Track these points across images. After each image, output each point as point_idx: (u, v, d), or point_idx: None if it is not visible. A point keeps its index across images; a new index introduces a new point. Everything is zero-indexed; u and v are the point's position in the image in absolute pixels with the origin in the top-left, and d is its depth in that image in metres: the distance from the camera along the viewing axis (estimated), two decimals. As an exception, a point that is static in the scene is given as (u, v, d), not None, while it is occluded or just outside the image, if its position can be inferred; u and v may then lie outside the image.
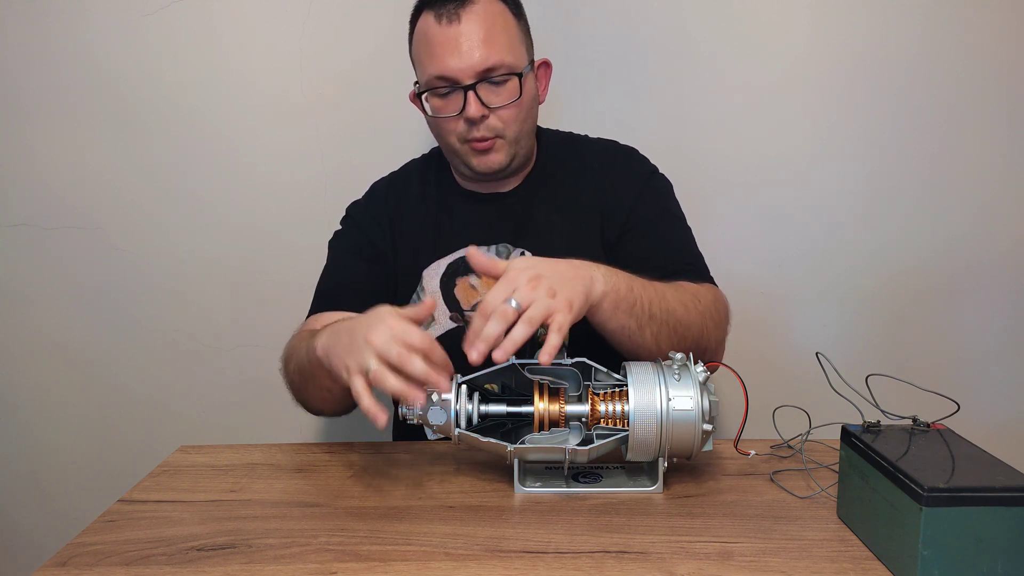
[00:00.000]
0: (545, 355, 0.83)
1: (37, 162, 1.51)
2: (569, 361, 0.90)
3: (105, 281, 1.55)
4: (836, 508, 0.82)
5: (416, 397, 0.80)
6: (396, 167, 1.28)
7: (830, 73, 1.45)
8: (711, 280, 1.12)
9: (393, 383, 0.80)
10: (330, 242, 1.22)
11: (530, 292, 0.84)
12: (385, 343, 0.81)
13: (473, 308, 1.13)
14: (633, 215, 1.14)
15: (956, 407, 0.79)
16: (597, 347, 0.97)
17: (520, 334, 0.82)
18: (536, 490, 0.88)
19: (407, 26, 1.10)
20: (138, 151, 1.50)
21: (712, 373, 0.88)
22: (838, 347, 1.48)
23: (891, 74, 1.44)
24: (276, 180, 1.51)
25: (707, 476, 0.92)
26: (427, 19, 1.06)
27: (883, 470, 0.71)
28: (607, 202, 1.15)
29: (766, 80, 1.45)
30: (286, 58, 1.47)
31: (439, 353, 0.84)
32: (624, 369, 0.88)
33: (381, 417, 0.80)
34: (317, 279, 1.25)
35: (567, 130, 1.26)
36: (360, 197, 1.25)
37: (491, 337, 0.82)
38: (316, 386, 1.00)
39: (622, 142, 1.25)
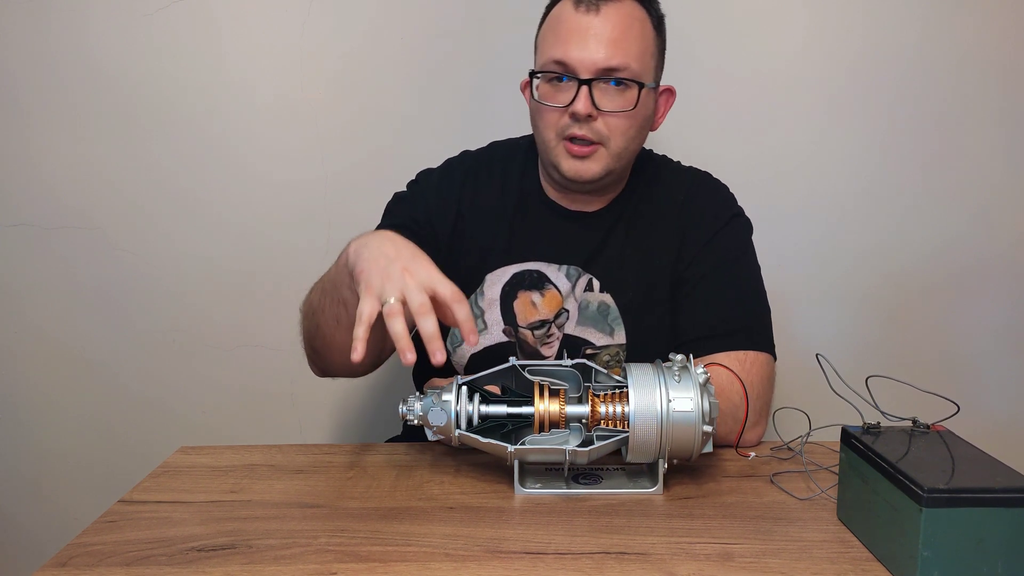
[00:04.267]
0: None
1: (37, 162, 1.51)
2: (569, 362, 0.90)
3: (105, 281, 1.55)
4: (836, 510, 0.82)
5: (406, 351, 0.78)
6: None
7: (829, 73, 1.45)
8: (763, 344, 1.05)
9: (399, 329, 0.79)
10: (389, 204, 1.15)
11: None
12: (415, 288, 0.80)
13: (529, 326, 1.10)
14: (696, 263, 1.09)
15: (956, 408, 0.79)
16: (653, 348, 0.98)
17: None
18: (536, 491, 0.88)
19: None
20: (138, 151, 1.50)
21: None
22: (838, 348, 1.48)
23: (890, 74, 1.44)
24: (276, 180, 1.51)
25: (707, 478, 0.92)
26: (565, 5, 1.02)
27: (883, 471, 0.71)
28: (689, 228, 1.10)
29: (765, 79, 1.45)
30: (286, 58, 1.47)
31: (464, 311, 0.82)
32: (624, 370, 0.88)
33: (360, 348, 0.79)
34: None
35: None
36: (435, 167, 1.18)
37: None
38: (332, 302, 0.95)
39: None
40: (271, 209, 1.52)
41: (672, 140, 1.42)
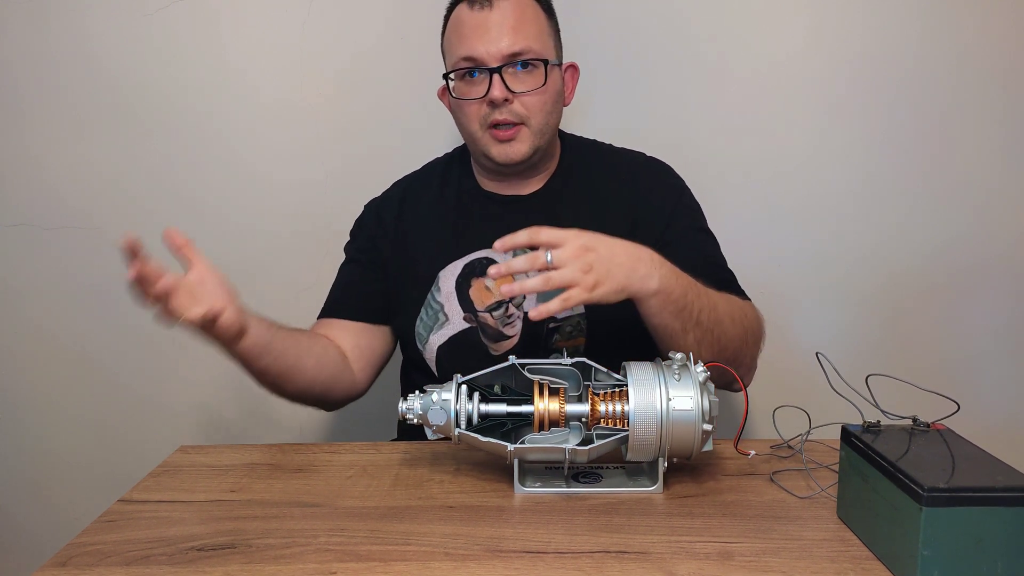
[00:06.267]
0: (534, 311, 0.88)
1: (37, 162, 1.51)
2: (569, 361, 0.90)
3: (105, 281, 1.54)
4: (836, 508, 0.82)
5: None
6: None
7: (829, 72, 1.45)
8: (747, 296, 1.13)
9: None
10: (346, 244, 1.25)
11: (569, 256, 0.88)
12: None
13: (487, 309, 1.13)
14: (671, 228, 1.14)
15: (956, 407, 0.79)
16: (615, 345, 0.98)
17: (531, 284, 0.87)
18: (536, 490, 0.88)
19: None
20: (138, 151, 1.50)
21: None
22: (838, 347, 1.48)
23: (890, 73, 1.44)
24: (276, 180, 1.51)
25: (707, 476, 0.92)
26: (461, 8, 1.11)
27: (883, 470, 0.71)
28: (640, 211, 1.14)
29: (765, 79, 1.45)
30: (286, 58, 1.47)
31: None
32: (624, 369, 0.88)
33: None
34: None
35: (566, 132, 1.25)
36: (379, 194, 1.26)
37: (513, 268, 0.90)
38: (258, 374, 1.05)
39: (627, 147, 1.25)
40: (271, 209, 1.52)
41: (673, 139, 1.42)
